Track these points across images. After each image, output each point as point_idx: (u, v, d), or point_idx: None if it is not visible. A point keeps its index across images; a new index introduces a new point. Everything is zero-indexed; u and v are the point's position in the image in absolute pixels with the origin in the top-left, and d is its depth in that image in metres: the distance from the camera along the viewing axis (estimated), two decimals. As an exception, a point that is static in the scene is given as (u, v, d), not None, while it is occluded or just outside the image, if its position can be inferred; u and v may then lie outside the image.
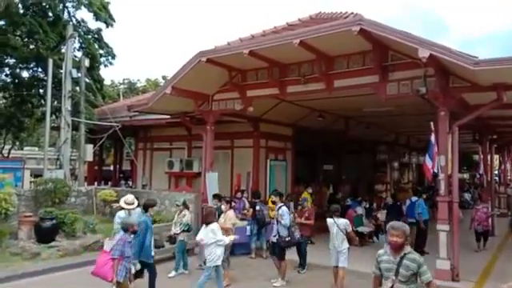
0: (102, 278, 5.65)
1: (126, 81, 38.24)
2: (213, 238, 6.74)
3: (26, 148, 39.73)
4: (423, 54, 7.09)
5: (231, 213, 8.41)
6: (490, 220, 12.19)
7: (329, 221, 7.77)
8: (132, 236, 6.03)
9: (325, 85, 9.66)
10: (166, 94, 10.69)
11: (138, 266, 6.62)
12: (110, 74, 64.20)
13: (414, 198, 11.55)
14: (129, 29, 76.92)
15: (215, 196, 9.74)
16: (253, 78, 11.01)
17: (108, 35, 72.61)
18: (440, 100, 8.22)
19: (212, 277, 6.93)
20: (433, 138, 7.95)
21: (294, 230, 8.25)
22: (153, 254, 6.93)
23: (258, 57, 9.66)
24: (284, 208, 8.25)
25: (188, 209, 8.99)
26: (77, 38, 17.81)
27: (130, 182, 18.50)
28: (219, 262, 6.84)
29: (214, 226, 6.87)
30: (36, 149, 37.66)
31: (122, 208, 7.87)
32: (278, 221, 8.21)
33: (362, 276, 8.11)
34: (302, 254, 9.26)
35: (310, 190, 12.64)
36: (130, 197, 7.89)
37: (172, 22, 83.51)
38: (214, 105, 11.81)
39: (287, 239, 8.09)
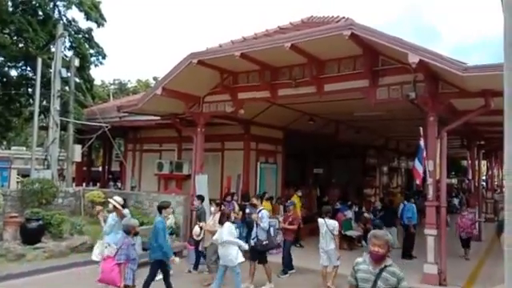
0: (109, 285, 5.63)
1: (116, 81, 38.00)
2: (228, 238, 7.05)
3: (13, 148, 39.15)
4: (413, 59, 7.16)
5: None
6: (475, 226, 12.16)
7: (320, 221, 8.25)
8: (135, 238, 6.09)
9: (315, 88, 9.70)
10: (157, 94, 10.63)
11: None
12: (100, 75, 63.61)
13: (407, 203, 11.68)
14: (120, 29, 76.52)
15: (198, 197, 9.68)
16: (244, 80, 11.00)
17: (99, 35, 72.23)
18: (429, 105, 8.30)
19: (227, 276, 7.28)
20: (422, 143, 8.01)
21: (276, 235, 8.25)
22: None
23: (250, 59, 9.67)
24: (264, 211, 8.35)
25: (172, 212, 8.89)
26: (67, 38, 17.63)
27: (119, 184, 18.32)
28: (236, 262, 7.04)
29: (228, 225, 7.25)
30: (24, 148, 37.12)
31: (115, 209, 7.80)
32: (257, 224, 8.21)
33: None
34: (285, 259, 9.19)
35: (299, 193, 12.64)
36: (119, 198, 7.79)
37: (164, 22, 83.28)
38: (204, 107, 11.77)
39: (265, 243, 8.05)
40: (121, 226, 7.34)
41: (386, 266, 3.55)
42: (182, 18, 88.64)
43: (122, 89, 36.34)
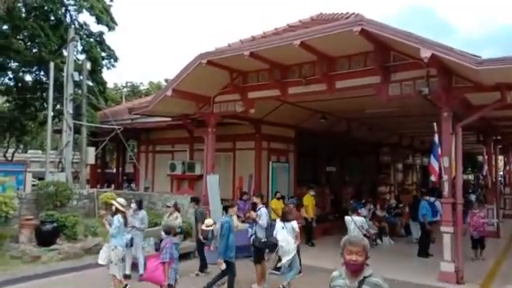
0: (153, 283, 5.70)
1: (129, 84, 38.35)
2: (291, 233, 7.58)
3: (29, 151, 39.82)
4: (425, 53, 7.01)
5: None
6: (488, 224, 11.28)
7: (347, 218, 8.81)
8: (176, 238, 6.22)
9: (326, 86, 9.60)
10: (167, 96, 10.65)
11: (223, 266, 6.97)
12: (113, 78, 64.42)
13: (432, 199, 11.46)
14: (133, 32, 77.22)
15: (192, 199, 9.56)
16: (254, 79, 10.96)
17: (111, 39, 72.97)
18: (443, 100, 8.13)
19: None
20: (436, 139, 7.85)
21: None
22: (233, 254, 7.23)
23: (259, 58, 9.61)
24: (263, 209, 8.33)
25: (179, 211, 8.88)
26: (79, 42, 17.84)
27: (133, 185, 18.47)
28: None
29: (293, 223, 7.73)
30: (40, 152, 37.74)
31: (117, 211, 7.80)
32: (256, 221, 8.24)
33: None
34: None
35: (312, 193, 12.49)
36: (123, 200, 7.59)
37: (175, 24, 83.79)
38: (215, 107, 11.76)
39: (263, 240, 8.02)
40: (125, 228, 7.38)
41: (365, 278, 2.92)
42: (192, 19, 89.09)
43: (134, 91, 36.65)
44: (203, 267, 8.78)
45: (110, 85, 35.46)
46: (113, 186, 19.70)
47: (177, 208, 8.78)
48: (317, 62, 9.51)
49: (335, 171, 19.07)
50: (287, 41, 8.57)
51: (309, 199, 12.28)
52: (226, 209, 7.96)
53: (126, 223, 7.23)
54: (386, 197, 19.76)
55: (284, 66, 10.23)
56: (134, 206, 8.65)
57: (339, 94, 10.40)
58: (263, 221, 8.09)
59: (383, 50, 8.64)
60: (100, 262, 7.49)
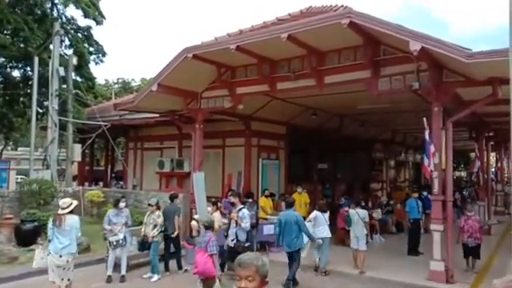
0: (206, 276, 5.81)
1: (120, 80, 37.81)
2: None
3: (19, 149, 39.31)
4: (415, 46, 6.80)
5: (217, 214, 8.09)
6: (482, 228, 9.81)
7: (351, 211, 9.40)
8: (213, 232, 6.28)
9: (315, 81, 9.37)
10: (152, 91, 10.37)
11: None
12: (104, 74, 63.73)
13: (425, 193, 11.35)
14: (125, 28, 76.54)
15: (170, 197, 9.32)
16: (242, 74, 10.70)
17: (104, 34, 72.29)
18: (433, 95, 7.94)
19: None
20: (427, 135, 7.65)
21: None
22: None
23: (247, 52, 9.36)
24: (245, 210, 7.86)
25: (161, 209, 8.60)
26: (66, 36, 17.47)
27: (121, 183, 18.17)
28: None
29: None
30: (41, 149, 37.21)
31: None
32: (237, 223, 7.73)
33: (349, 277, 8.53)
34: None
35: (299, 190, 12.28)
36: (66, 200, 6.76)
37: (169, 20, 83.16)
38: (202, 102, 11.49)
39: (246, 245, 7.55)
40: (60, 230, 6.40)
41: None
42: (186, 15, 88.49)
43: (125, 88, 36.15)
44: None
45: (101, 81, 35.07)
46: (101, 183, 19.38)
47: (158, 206, 8.48)
48: (306, 56, 9.29)
49: (327, 168, 18.91)
50: (274, 34, 8.32)
51: (296, 197, 12.08)
52: (291, 205, 8.54)
53: (59, 225, 6.30)
54: (378, 194, 19.66)
55: (273, 60, 9.98)
56: (122, 204, 8.35)
57: (329, 90, 10.22)
58: (246, 224, 7.69)
59: (373, 44, 8.42)
60: (34, 265, 7.39)
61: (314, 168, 17.57)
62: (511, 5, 4.16)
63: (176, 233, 8.55)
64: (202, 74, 10.79)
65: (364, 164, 22.06)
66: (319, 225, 8.71)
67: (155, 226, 8.22)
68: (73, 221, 6.43)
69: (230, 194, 11.28)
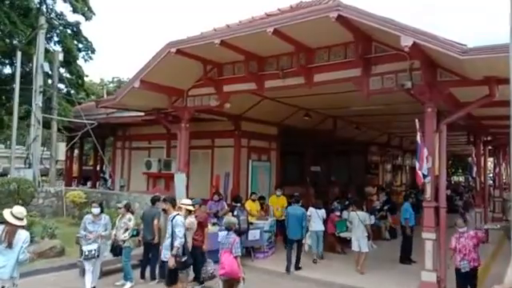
0: (233, 277, 5.88)
1: (115, 79, 37.40)
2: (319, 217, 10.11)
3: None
4: (406, 42, 6.36)
5: (191, 219, 7.44)
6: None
7: (352, 214, 9.60)
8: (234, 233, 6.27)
9: (304, 79, 8.92)
10: (135, 88, 9.90)
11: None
12: (100, 73, 63.04)
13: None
14: (121, 27, 76.23)
15: (151, 200, 8.62)
16: (230, 72, 10.25)
17: (100, 33, 71.88)
18: (426, 95, 7.48)
19: None
20: (419, 137, 7.19)
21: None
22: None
23: (233, 48, 8.92)
24: (178, 218, 6.59)
25: (132, 213, 7.99)
26: (55, 32, 17.02)
27: (109, 183, 17.71)
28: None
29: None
30: (23, 147, 36.73)
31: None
32: (172, 234, 6.48)
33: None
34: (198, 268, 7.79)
35: (278, 193, 11.83)
36: (21, 209, 5.67)
37: (168, 20, 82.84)
38: (189, 101, 11.04)
39: (183, 259, 6.53)
40: None
41: None
42: (186, 15, 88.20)
43: (120, 86, 35.73)
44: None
45: (96, 80, 34.65)
46: (89, 183, 18.91)
47: (129, 209, 7.92)
48: (294, 53, 8.85)
49: (321, 171, 18.48)
50: (260, 28, 7.87)
51: (273, 200, 11.73)
52: (298, 201, 9.83)
53: (8, 239, 5.24)
54: (373, 198, 19.21)
55: (260, 57, 9.53)
56: (95, 210, 7.36)
57: (321, 89, 9.81)
58: (180, 233, 6.45)
59: (364, 41, 7.98)
60: None
61: (307, 170, 17.10)
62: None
63: (156, 238, 8.01)
64: (188, 71, 10.35)
65: (359, 167, 21.66)
66: (314, 220, 10.03)
67: (126, 229, 7.66)
68: (23, 237, 5.32)
69: (214, 195, 10.92)
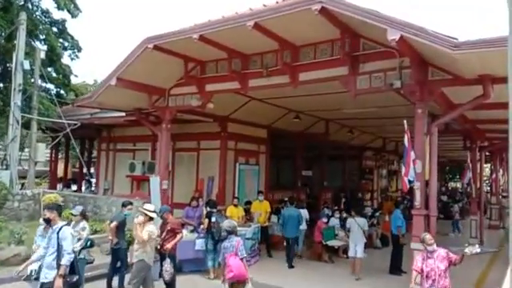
0: (240, 279, 5.78)
1: (109, 80, 36.85)
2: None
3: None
4: (393, 35, 5.85)
5: (149, 228, 6.80)
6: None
7: (350, 220, 9.61)
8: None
9: (289, 78, 8.40)
10: (111, 85, 9.38)
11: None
12: (93, 74, 62.46)
13: None
14: (121, 26, 75.85)
15: (123, 204, 8.08)
16: (213, 70, 9.72)
17: (98, 34, 71.51)
18: (417, 95, 6.98)
19: None
20: (406, 139, 6.68)
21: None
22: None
23: (213, 44, 8.42)
24: (65, 229, 5.22)
25: (87, 220, 7.28)
26: (39, 30, 16.51)
27: (94, 186, 17.13)
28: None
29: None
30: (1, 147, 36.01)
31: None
32: (59, 249, 5.13)
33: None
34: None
35: (260, 198, 11.30)
36: None
37: (168, 20, 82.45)
38: (170, 100, 10.52)
39: (75, 279, 5.25)
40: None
41: None
42: (185, 15, 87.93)
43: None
44: None
45: (89, 81, 34.04)
46: (74, 186, 18.34)
47: (84, 216, 7.20)
48: (279, 50, 8.33)
49: (314, 175, 17.96)
50: (239, 22, 7.36)
51: (256, 205, 11.19)
52: (291, 202, 10.77)
53: None
54: (366, 203, 18.72)
55: (244, 54, 9.03)
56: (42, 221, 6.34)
57: (310, 90, 9.44)
58: (68, 247, 5.13)
59: (351, 37, 7.47)
60: None
61: (298, 175, 16.57)
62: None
63: (114, 242, 7.39)
64: (169, 69, 9.83)
65: (354, 172, 21.15)
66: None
67: (79, 239, 6.89)
68: None
69: (192, 200, 10.32)
